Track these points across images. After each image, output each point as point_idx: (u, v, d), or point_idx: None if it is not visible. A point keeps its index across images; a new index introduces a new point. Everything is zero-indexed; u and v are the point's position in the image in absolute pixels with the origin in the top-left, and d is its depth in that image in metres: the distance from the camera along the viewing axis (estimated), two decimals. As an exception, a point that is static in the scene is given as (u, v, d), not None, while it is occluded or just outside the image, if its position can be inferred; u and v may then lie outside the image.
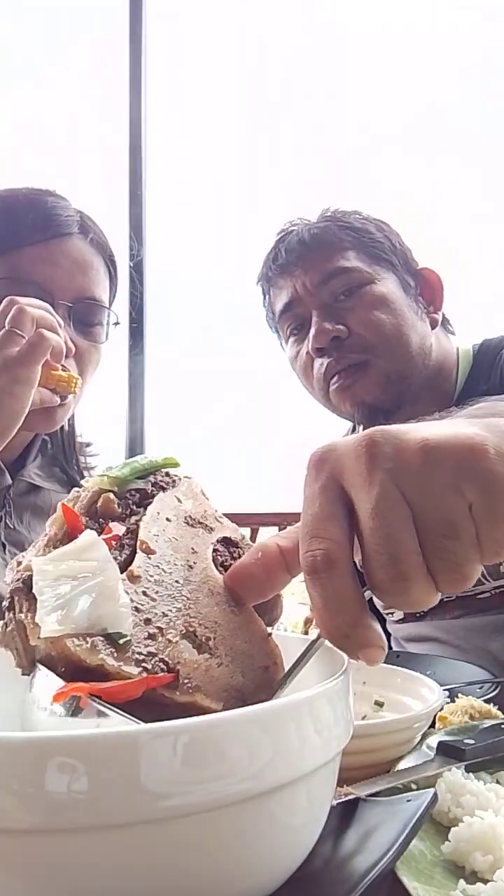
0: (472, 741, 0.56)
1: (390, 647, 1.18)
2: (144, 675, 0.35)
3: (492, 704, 0.69)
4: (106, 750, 0.30)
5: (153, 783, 0.30)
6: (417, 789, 0.51)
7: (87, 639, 0.35)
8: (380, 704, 0.66)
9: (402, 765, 0.55)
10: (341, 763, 0.40)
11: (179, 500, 0.45)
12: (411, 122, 3.17)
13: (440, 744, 0.56)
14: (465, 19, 3.09)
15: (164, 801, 0.30)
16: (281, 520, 3.01)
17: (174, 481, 0.46)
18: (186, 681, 0.37)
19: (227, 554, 0.46)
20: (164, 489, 0.45)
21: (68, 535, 0.39)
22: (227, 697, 0.39)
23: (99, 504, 0.42)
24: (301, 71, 3.24)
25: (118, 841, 0.30)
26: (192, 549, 0.43)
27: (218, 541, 0.46)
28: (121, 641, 0.36)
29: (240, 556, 0.45)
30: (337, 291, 1.06)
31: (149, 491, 0.44)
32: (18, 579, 0.38)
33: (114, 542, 0.40)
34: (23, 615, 0.37)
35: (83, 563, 0.37)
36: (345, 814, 0.44)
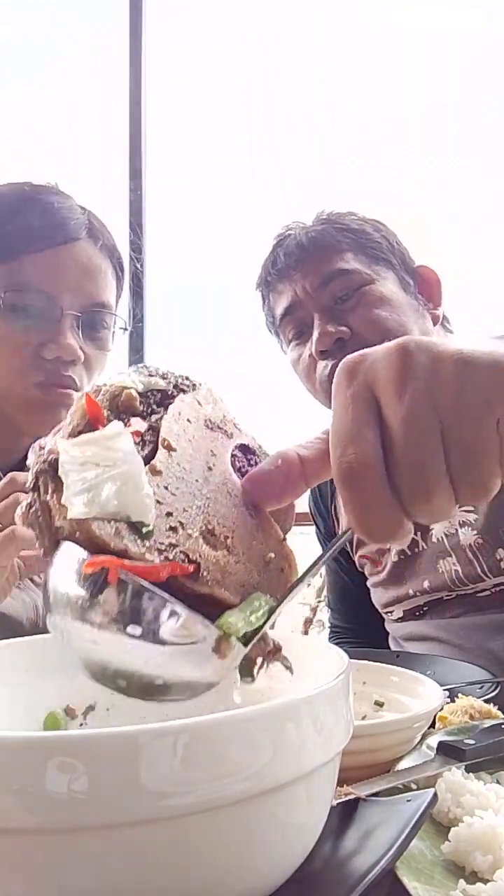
0: (472, 741, 0.56)
1: (389, 647, 1.18)
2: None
3: (492, 704, 0.69)
4: (106, 750, 0.30)
5: (153, 783, 0.30)
6: (417, 789, 0.51)
7: (113, 524, 0.35)
8: (380, 704, 0.66)
9: (402, 765, 0.55)
10: (341, 763, 0.40)
11: (199, 404, 0.45)
12: (410, 122, 3.17)
13: (440, 744, 0.56)
14: (464, 19, 3.10)
15: (164, 801, 0.30)
16: (281, 520, 3.00)
17: (194, 385, 0.45)
18: (206, 573, 0.37)
19: (244, 460, 0.46)
20: (184, 391, 0.44)
21: (90, 425, 0.39)
22: (243, 593, 0.39)
23: (121, 399, 0.41)
24: (300, 72, 3.24)
25: (118, 841, 0.30)
26: (212, 451, 0.43)
27: (236, 447, 0.45)
28: (144, 530, 0.36)
29: (257, 464, 0.45)
30: (337, 293, 1.06)
31: (169, 392, 0.43)
32: (44, 461, 0.38)
33: (136, 438, 0.39)
34: (48, 496, 0.37)
35: (108, 452, 0.37)
36: (345, 814, 0.44)
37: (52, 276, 0.89)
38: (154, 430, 0.40)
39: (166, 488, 0.38)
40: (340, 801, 0.45)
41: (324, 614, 2.62)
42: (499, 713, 0.68)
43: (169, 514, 0.38)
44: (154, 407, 0.42)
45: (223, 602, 0.37)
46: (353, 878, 0.37)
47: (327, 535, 1.30)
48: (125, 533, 0.35)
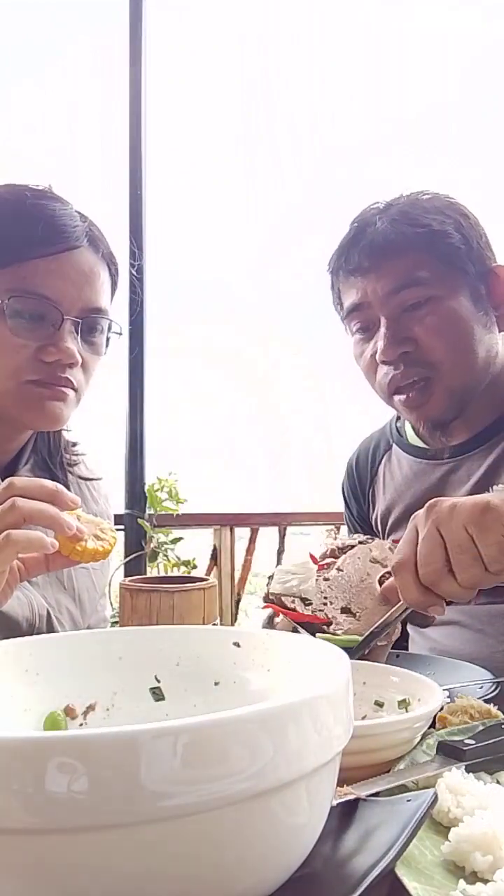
0: (472, 741, 0.56)
1: (407, 634, 1.19)
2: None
3: (492, 704, 0.69)
4: (106, 750, 0.30)
5: (153, 783, 0.30)
6: (417, 789, 0.51)
7: (294, 598, 0.87)
8: (380, 704, 0.66)
9: (402, 765, 0.55)
10: (341, 763, 0.40)
11: (371, 550, 0.91)
12: (410, 121, 3.17)
13: (440, 744, 0.56)
14: (465, 18, 3.10)
15: (164, 801, 0.30)
16: (280, 520, 3.01)
17: (369, 540, 0.94)
18: (334, 626, 0.83)
19: (388, 576, 0.86)
20: (363, 543, 0.92)
21: (312, 559, 0.93)
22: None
23: (328, 551, 0.94)
24: (300, 71, 3.24)
25: (118, 841, 0.30)
26: (368, 573, 0.88)
27: (386, 572, 0.87)
28: (307, 602, 0.86)
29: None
30: (408, 302, 1.04)
31: (355, 545, 0.92)
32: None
33: (325, 566, 0.90)
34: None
35: (305, 569, 0.90)
36: (345, 814, 0.44)
37: (55, 282, 0.91)
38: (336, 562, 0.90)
39: (329, 588, 0.86)
40: (340, 801, 0.45)
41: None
42: (499, 713, 0.68)
43: (325, 598, 0.86)
44: (343, 552, 0.92)
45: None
46: (353, 878, 0.37)
47: (360, 519, 1.30)
48: (298, 602, 0.86)
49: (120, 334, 1.01)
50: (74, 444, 1.12)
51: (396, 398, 1.07)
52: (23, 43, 3.17)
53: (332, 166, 3.18)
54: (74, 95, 3.22)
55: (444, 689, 0.65)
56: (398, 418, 1.25)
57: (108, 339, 1.00)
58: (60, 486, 0.76)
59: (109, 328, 0.99)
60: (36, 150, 3.08)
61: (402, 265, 1.04)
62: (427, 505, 0.75)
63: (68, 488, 0.96)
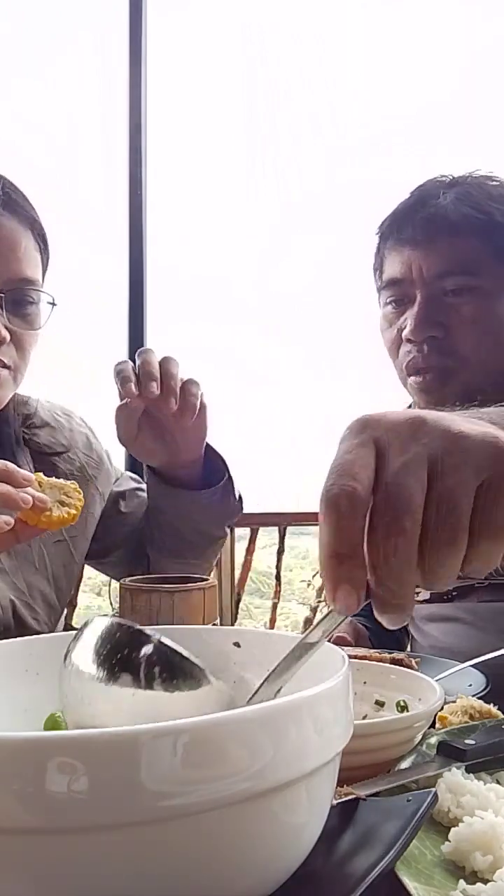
0: (472, 741, 0.56)
1: (408, 630, 1.18)
2: None
3: (492, 704, 0.69)
4: (106, 750, 0.30)
5: (153, 783, 0.30)
6: (417, 789, 0.51)
7: None
8: (380, 704, 0.66)
9: (402, 765, 0.55)
10: (341, 763, 0.40)
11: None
12: (412, 117, 3.17)
13: (440, 744, 0.56)
14: (466, 16, 3.10)
15: (164, 801, 0.30)
16: (280, 520, 3.00)
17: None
18: None
19: None
20: None
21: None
22: None
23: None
24: (301, 68, 3.24)
25: (118, 841, 0.30)
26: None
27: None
28: None
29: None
30: (449, 288, 1.01)
31: None
32: None
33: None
34: None
35: None
36: (345, 814, 0.44)
37: None
38: None
39: None
40: (340, 801, 0.45)
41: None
42: (499, 713, 0.68)
43: None
44: None
45: None
46: (353, 878, 0.37)
47: None
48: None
49: (55, 304, 0.95)
50: (29, 417, 1.05)
51: (412, 379, 1.05)
52: (24, 40, 3.17)
53: (333, 161, 3.18)
54: (75, 92, 3.21)
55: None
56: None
57: (45, 314, 0.94)
58: (10, 465, 0.74)
59: (53, 303, 0.93)
60: (36, 146, 3.08)
61: (456, 248, 1.00)
62: (406, 417, 0.42)
63: (29, 464, 0.94)
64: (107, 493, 1.12)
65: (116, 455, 1.22)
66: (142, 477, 1.16)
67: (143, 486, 1.13)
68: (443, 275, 1.00)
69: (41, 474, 0.78)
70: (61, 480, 0.79)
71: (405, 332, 1.03)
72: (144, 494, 1.13)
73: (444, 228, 1.01)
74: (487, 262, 1.00)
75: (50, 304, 0.94)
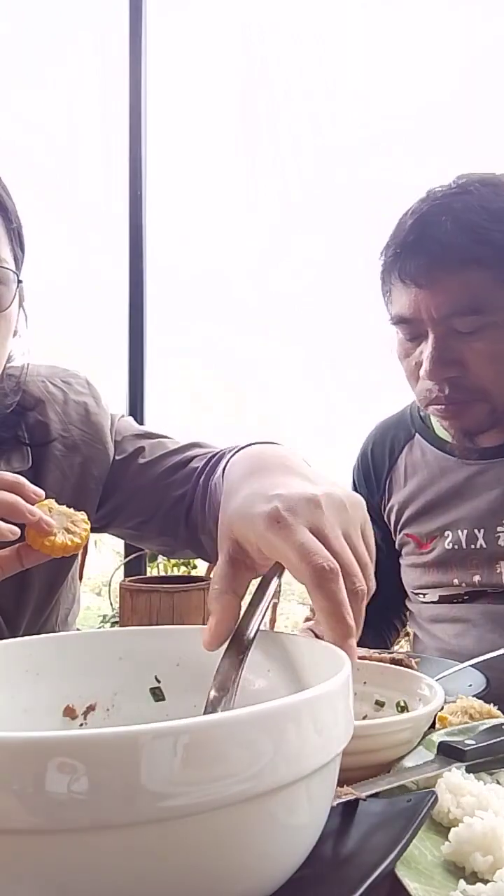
0: (472, 741, 0.56)
1: (398, 630, 1.18)
2: None
3: (492, 705, 0.69)
4: (106, 750, 0.30)
5: (153, 783, 0.30)
6: (417, 789, 0.51)
7: None
8: (380, 704, 0.66)
9: (402, 765, 0.55)
10: (341, 763, 0.40)
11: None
12: (411, 117, 3.17)
13: (440, 744, 0.56)
14: (465, 17, 3.10)
15: (164, 801, 0.30)
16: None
17: None
18: None
19: None
20: None
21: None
22: None
23: None
24: (301, 67, 3.24)
25: (118, 841, 0.30)
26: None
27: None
28: None
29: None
30: (460, 330, 0.98)
31: None
32: None
33: None
34: None
35: None
36: (345, 814, 0.44)
37: None
38: None
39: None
40: (340, 801, 0.45)
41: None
42: (499, 713, 0.68)
43: None
44: None
45: None
46: (353, 879, 0.37)
47: (371, 511, 1.28)
48: None
49: (21, 281, 0.87)
50: (6, 396, 0.96)
51: (433, 408, 1.04)
52: (23, 40, 3.17)
53: (332, 160, 3.18)
54: (75, 91, 3.21)
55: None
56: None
57: (15, 293, 0.86)
58: (21, 478, 0.71)
59: (18, 282, 0.86)
60: (36, 147, 3.08)
61: (462, 285, 0.96)
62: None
63: (28, 457, 0.91)
64: (103, 476, 1.00)
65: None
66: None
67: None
68: (451, 315, 0.97)
69: (53, 501, 0.76)
70: (71, 510, 0.78)
71: (422, 372, 1.00)
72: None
73: (448, 266, 0.97)
74: (496, 295, 0.97)
75: (18, 281, 0.86)
